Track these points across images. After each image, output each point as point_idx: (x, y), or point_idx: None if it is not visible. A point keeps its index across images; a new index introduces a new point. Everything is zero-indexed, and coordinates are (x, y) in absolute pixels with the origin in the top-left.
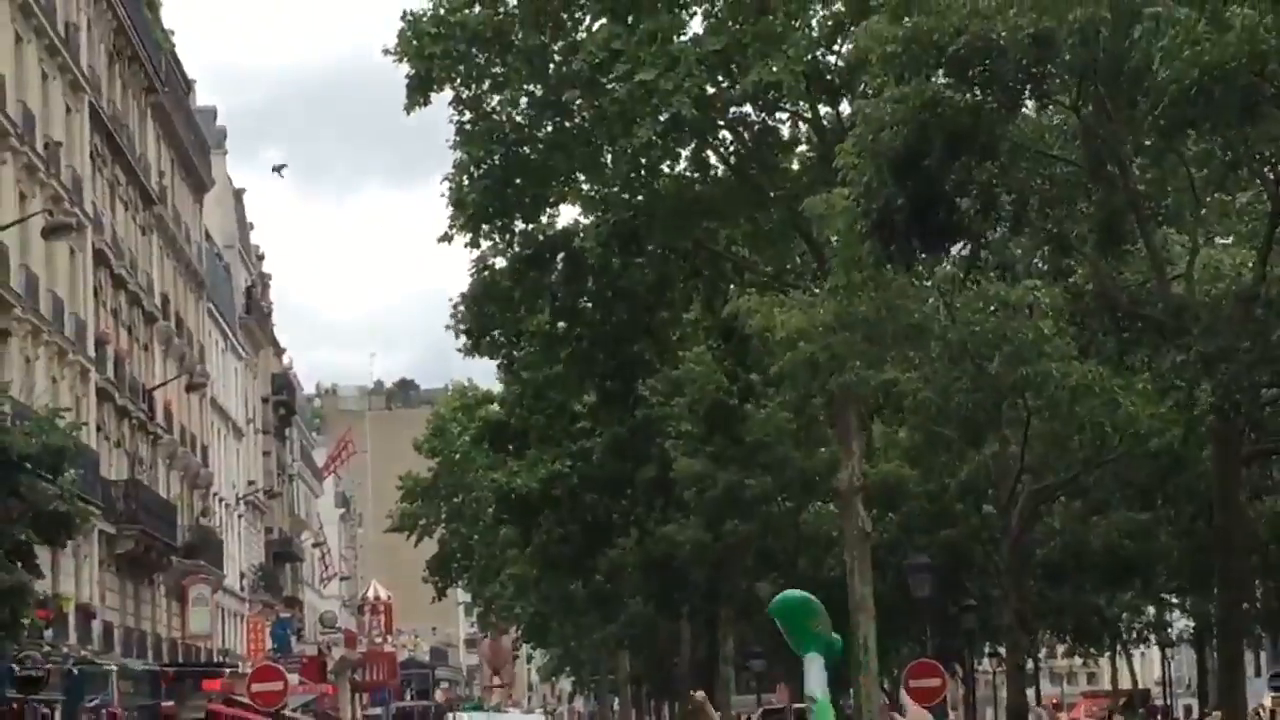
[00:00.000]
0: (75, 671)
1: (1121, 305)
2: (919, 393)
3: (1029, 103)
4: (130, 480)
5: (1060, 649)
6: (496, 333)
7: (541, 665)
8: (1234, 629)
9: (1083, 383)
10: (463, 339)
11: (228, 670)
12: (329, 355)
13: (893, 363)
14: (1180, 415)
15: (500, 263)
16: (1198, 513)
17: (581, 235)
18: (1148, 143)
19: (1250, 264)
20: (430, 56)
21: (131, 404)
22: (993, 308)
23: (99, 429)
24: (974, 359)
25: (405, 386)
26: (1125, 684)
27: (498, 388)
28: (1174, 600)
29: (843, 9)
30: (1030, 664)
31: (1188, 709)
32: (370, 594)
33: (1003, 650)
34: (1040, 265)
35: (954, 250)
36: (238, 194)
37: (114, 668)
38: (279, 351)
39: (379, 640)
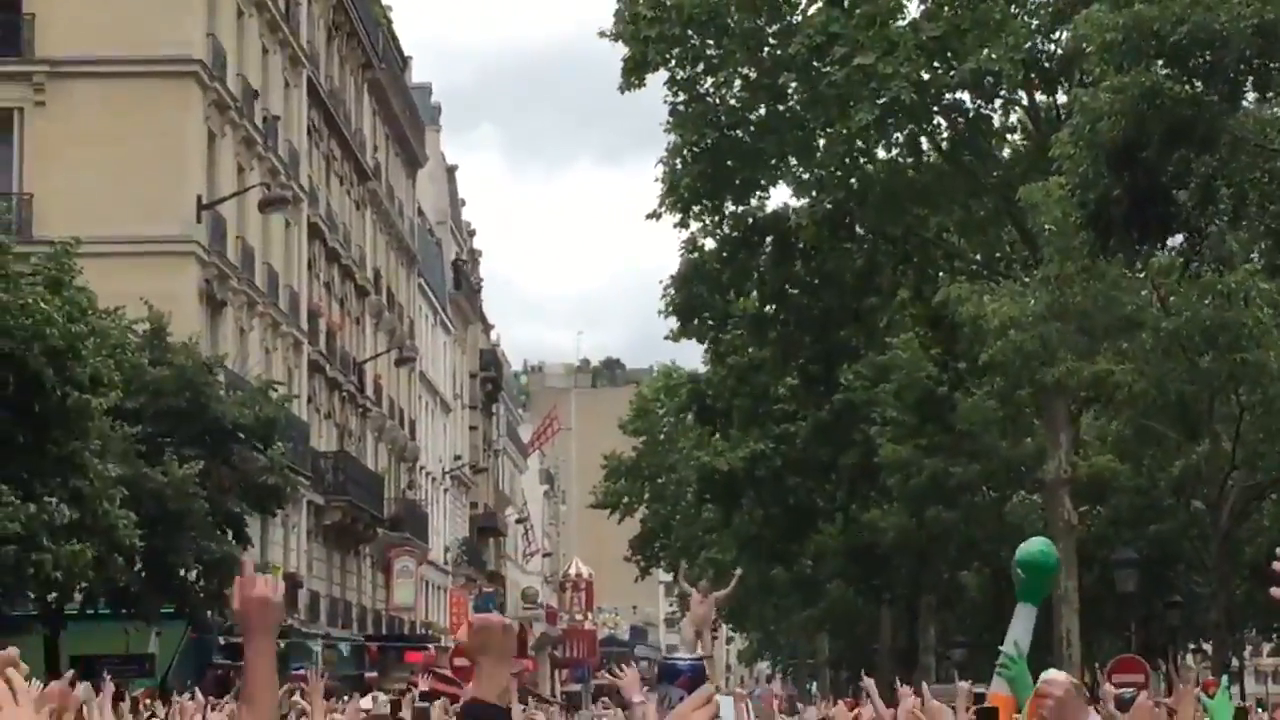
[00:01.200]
0: (282, 644)
1: None
2: (1133, 384)
3: (1250, 94)
4: (339, 452)
5: (1266, 648)
6: (705, 314)
7: (742, 649)
8: None
9: None
10: (671, 321)
11: (431, 645)
12: (536, 332)
13: (1105, 354)
14: None
15: (710, 244)
16: None
17: (792, 218)
18: None
19: None
20: (646, 39)
21: (342, 376)
22: (1208, 299)
23: (310, 401)
24: (1188, 351)
25: (611, 365)
26: None
27: (702, 370)
28: None
29: None
30: (1235, 662)
31: None
32: (572, 571)
33: (1208, 648)
34: (1258, 259)
35: (1170, 242)
36: (450, 170)
37: (320, 637)
38: (487, 327)
39: (579, 617)
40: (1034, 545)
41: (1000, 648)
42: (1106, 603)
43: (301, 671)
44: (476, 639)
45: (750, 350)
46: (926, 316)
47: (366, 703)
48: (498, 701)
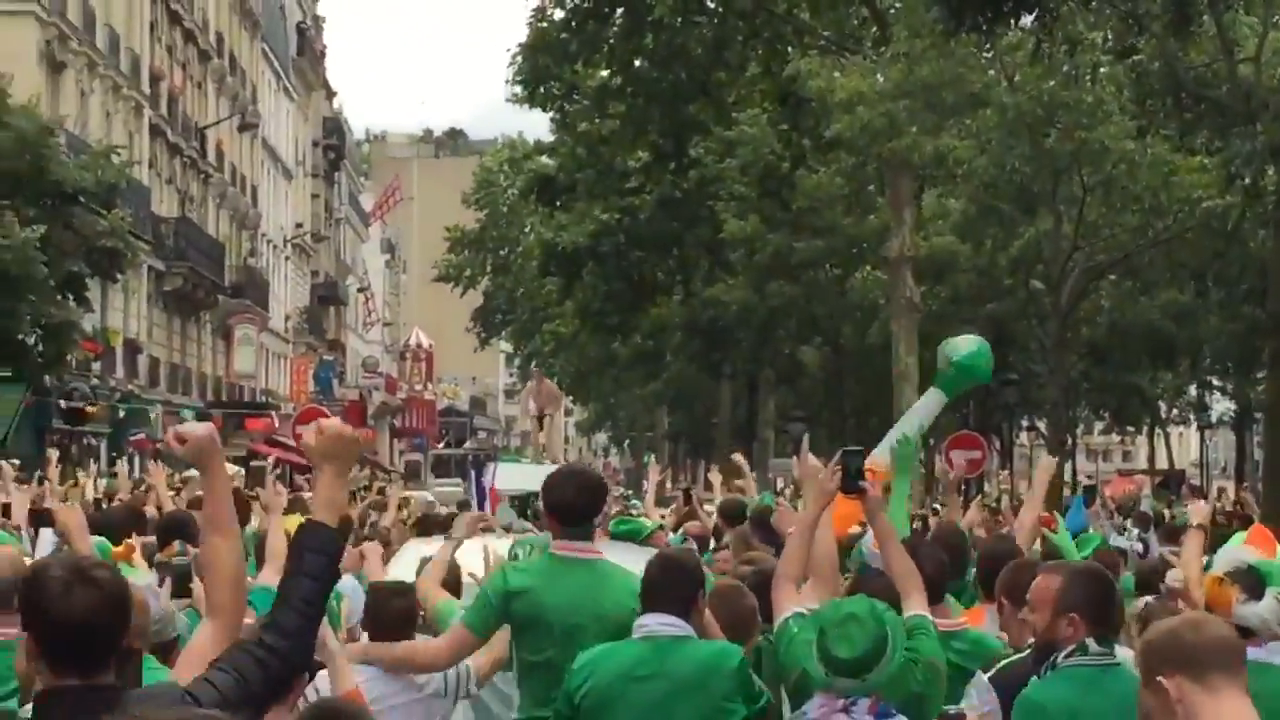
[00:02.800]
0: (120, 409)
1: (1187, 86)
2: (974, 160)
3: None
4: (180, 218)
5: (1098, 426)
6: (551, 84)
7: (580, 420)
8: None
9: (1140, 152)
10: (516, 89)
11: (273, 413)
12: (379, 100)
13: (950, 131)
14: (1239, 194)
15: (559, 14)
16: (1248, 294)
17: None
18: None
19: None
20: None
21: (184, 142)
22: (1055, 78)
23: (151, 165)
24: (1032, 130)
25: (454, 136)
26: (1161, 464)
27: (547, 143)
28: (1216, 383)
29: None
30: (1069, 440)
31: (1221, 490)
32: (412, 340)
33: (1041, 425)
34: (1107, 42)
35: (1022, 22)
36: None
37: (159, 404)
38: (330, 94)
39: (419, 387)
40: (978, 354)
41: (900, 426)
42: None
43: (140, 437)
44: (325, 444)
45: (598, 122)
46: (775, 92)
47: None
48: (333, 516)
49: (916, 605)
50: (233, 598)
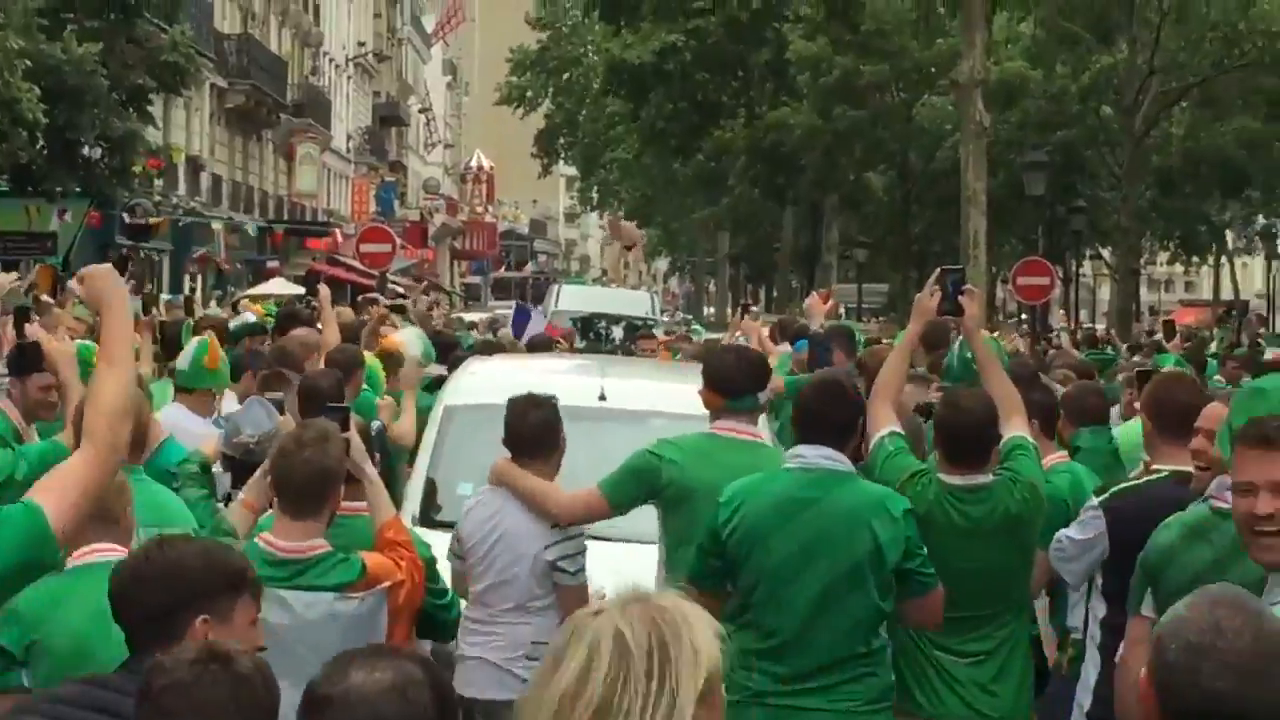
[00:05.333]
0: (182, 223)
1: None
2: None
3: None
4: (242, 34)
5: (1163, 256)
6: None
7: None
8: None
9: None
10: None
11: (338, 230)
12: None
13: None
14: None
15: None
16: None
17: None
18: None
19: None
20: None
21: None
22: None
23: None
24: None
25: None
26: (1226, 294)
27: None
28: None
29: None
30: (1139, 268)
31: None
32: (473, 163)
33: (1105, 254)
34: None
35: None
36: None
37: (221, 221)
38: None
39: (480, 210)
40: None
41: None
42: (1012, 207)
43: (202, 253)
44: (93, 289)
45: None
46: None
47: None
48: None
49: (1017, 426)
50: (108, 428)
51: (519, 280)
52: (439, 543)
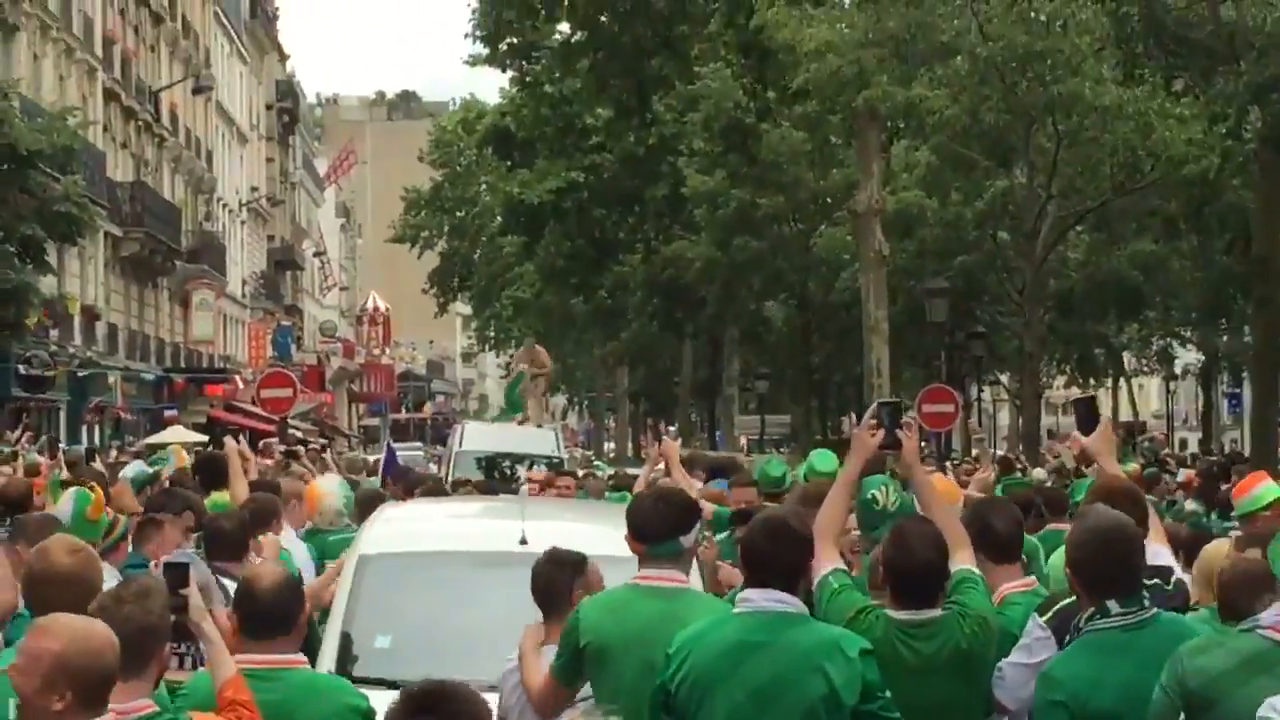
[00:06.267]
0: (80, 373)
1: (1169, 28)
2: (946, 111)
3: None
4: (136, 182)
5: (1059, 380)
6: (511, 41)
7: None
8: (1271, 358)
9: (1116, 103)
10: (474, 45)
11: (237, 377)
12: (330, 64)
13: (920, 80)
14: (1220, 142)
15: None
16: (1229, 245)
17: None
18: None
19: None
20: None
21: (138, 105)
22: (1028, 27)
23: (105, 129)
24: (1004, 78)
25: (407, 98)
26: (1125, 416)
27: (501, 105)
28: (1185, 334)
29: None
30: (1042, 391)
31: (1183, 442)
32: (369, 305)
33: (1004, 379)
34: None
35: None
36: None
37: (118, 370)
38: (283, 57)
39: (377, 352)
40: None
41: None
42: (911, 334)
43: (99, 403)
44: None
45: (559, 79)
46: (739, 44)
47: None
48: None
49: (963, 559)
50: None
51: (418, 421)
52: None
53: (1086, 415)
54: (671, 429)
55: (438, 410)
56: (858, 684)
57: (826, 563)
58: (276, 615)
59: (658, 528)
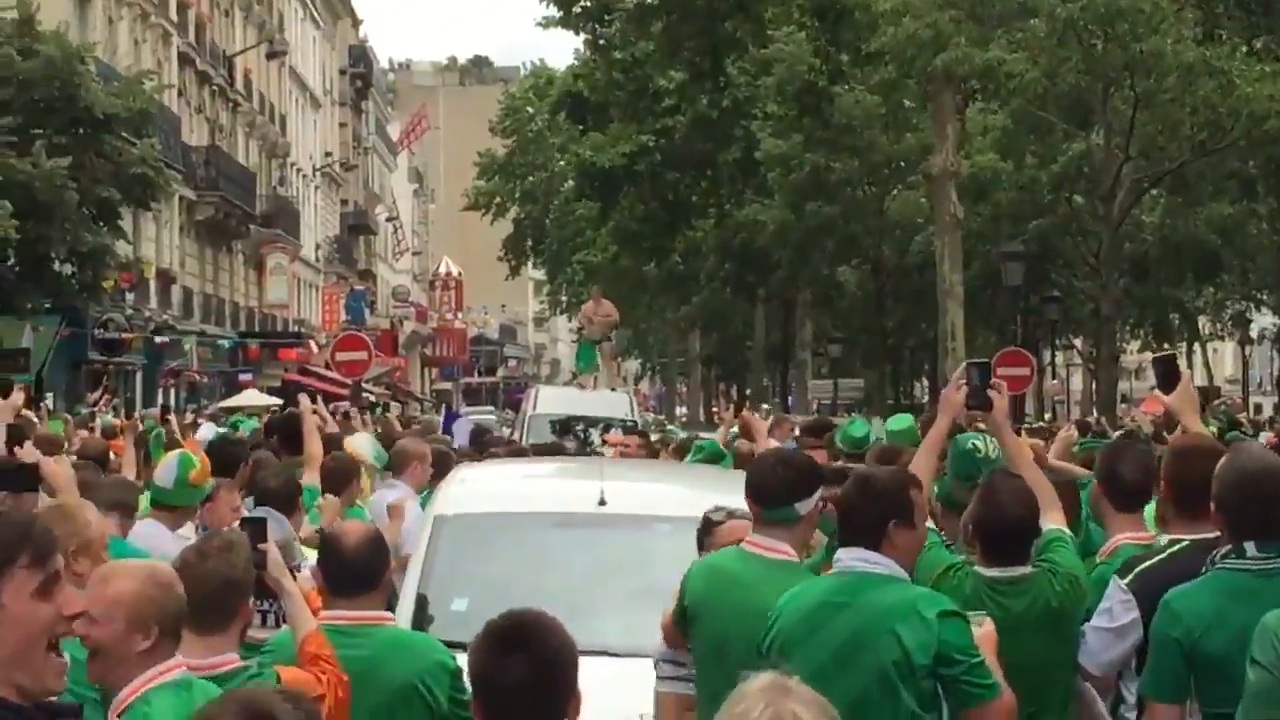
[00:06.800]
0: (156, 338)
1: None
2: (1025, 73)
3: None
4: (210, 147)
5: (1134, 344)
6: (585, 3)
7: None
8: None
9: (1199, 60)
10: (547, 8)
11: (311, 341)
12: (403, 29)
13: (998, 42)
14: None
15: None
16: None
17: None
18: None
19: None
20: None
21: (212, 70)
22: None
23: (180, 94)
24: (1082, 39)
25: (479, 64)
26: (1199, 381)
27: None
28: (1262, 297)
29: None
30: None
31: (1258, 406)
32: (441, 269)
33: (1077, 343)
34: None
35: None
36: None
37: (193, 336)
38: (356, 22)
39: (449, 316)
40: None
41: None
42: (985, 298)
43: (174, 366)
44: None
45: (633, 42)
46: (813, 6)
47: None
48: None
49: (1053, 519)
50: None
51: (490, 386)
52: None
53: (1166, 373)
54: (764, 407)
55: (510, 375)
56: (933, 646)
57: None
58: (362, 571)
59: (776, 491)
